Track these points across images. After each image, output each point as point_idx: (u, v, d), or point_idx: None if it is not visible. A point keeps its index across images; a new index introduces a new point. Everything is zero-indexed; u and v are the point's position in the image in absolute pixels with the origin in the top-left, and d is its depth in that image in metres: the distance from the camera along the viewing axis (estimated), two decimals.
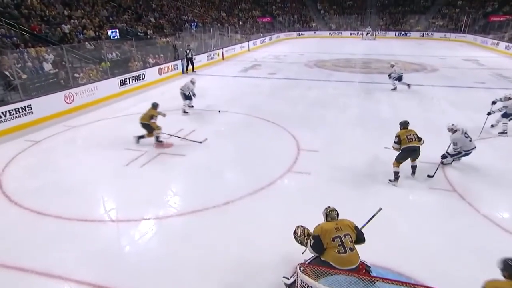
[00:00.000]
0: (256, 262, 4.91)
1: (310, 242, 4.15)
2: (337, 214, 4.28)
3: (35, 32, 15.98)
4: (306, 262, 4.41)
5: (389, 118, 10.85)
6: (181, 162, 8.19)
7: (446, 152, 7.63)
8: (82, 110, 12.28)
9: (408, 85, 15.02)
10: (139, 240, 5.46)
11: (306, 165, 7.91)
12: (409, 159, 7.07)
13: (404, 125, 7.20)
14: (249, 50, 29.59)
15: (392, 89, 15.04)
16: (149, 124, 8.85)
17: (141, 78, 15.76)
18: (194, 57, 19.48)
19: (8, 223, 5.91)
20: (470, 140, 7.43)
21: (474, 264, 4.80)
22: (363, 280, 3.96)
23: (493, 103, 10.10)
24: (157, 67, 17.13)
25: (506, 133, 9.83)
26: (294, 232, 4.51)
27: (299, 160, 8.18)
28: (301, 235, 4.42)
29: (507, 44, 26.17)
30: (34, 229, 5.69)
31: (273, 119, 11.08)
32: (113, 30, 18.20)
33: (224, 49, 25.12)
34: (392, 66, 15.35)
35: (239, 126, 10.72)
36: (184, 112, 11.73)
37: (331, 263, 3.99)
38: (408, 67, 21.29)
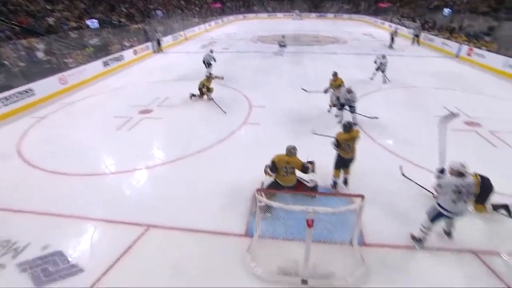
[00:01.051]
0: (235, 187, 5.03)
1: (270, 166, 4.50)
2: (295, 150, 4.49)
3: (24, 25, 13.81)
4: (264, 186, 4.65)
5: (313, 79, 10.96)
6: (160, 123, 7.81)
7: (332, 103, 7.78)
8: (75, 89, 11.08)
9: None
10: (136, 185, 5.31)
11: (257, 118, 7.89)
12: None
13: (347, 129, 4.75)
14: (206, 30, 27.71)
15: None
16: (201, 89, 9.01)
17: (120, 59, 14.37)
18: (161, 38, 18.03)
19: (32, 182, 5.46)
20: (352, 95, 7.06)
21: (379, 172, 5.23)
22: (306, 196, 4.27)
23: (375, 62, 10.95)
24: (132, 49, 15.66)
25: (388, 81, 10.74)
26: (265, 169, 4.67)
27: (251, 115, 8.14)
28: (266, 168, 4.64)
29: (389, 23, 27.15)
30: (54, 185, 5.32)
31: (230, 84, 10.73)
32: (93, 20, 16.11)
33: (186, 30, 23.33)
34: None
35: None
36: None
37: (278, 181, 4.49)
38: (327, 40, 21.22)
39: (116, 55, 14.25)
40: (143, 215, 4.50)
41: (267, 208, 4.01)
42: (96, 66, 12.71)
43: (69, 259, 3.82)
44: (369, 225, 4.20)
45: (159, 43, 17.82)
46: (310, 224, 3.07)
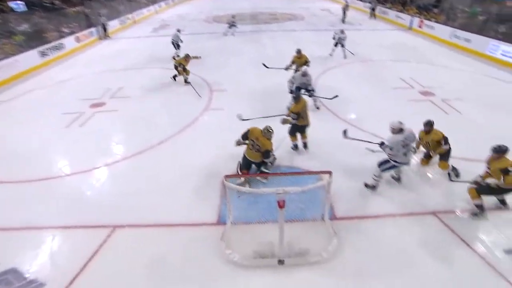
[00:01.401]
0: (202, 175, 4.97)
1: (242, 134, 4.76)
2: (270, 134, 4.61)
3: None
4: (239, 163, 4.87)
5: (273, 57, 10.95)
6: (116, 116, 7.38)
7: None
8: (8, 84, 9.99)
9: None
10: (96, 185, 5.03)
11: (219, 103, 7.78)
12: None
13: (298, 99, 5.27)
14: (156, 12, 26.19)
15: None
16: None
17: (60, 47, 13.10)
18: (107, 23, 16.66)
19: None
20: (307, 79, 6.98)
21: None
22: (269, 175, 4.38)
23: (333, 38, 11.19)
24: (73, 36, 14.32)
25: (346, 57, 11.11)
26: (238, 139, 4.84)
27: (213, 100, 8.00)
28: (238, 140, 4.82)
29: None
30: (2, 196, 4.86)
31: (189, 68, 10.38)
32: (17, 1, 14.13)
33: (134, 13, 21.88)
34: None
35: (160, 79, 9.75)
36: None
37: (246, 155, 4.72)
38: (285, 17, 21.19)
39: (55, 43, 12.96)
40: (107, 216, 4.30)
41: (242, 184, 4.51)
42: (31, 57, 11.44)
43: (26, 275, 3.53)
44: (338, 199, 4.41)
45: (104, 28, 16.50)
46: (281, 205, 3.15)
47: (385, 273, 3.42)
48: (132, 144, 6.14)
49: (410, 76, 9.26)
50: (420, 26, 15.52)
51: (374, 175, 4.48)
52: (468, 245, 3.71)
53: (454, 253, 3.64)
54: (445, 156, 4.74)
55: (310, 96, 7.10)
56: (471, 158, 5.15)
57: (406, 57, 11.37)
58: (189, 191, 4.73)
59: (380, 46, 12.86)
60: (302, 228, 3.91)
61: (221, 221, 4.13)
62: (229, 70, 10.32)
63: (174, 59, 8.89)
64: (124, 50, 13.72)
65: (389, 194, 4.56)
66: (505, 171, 3.67)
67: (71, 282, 3.43)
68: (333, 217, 4.14)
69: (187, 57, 8.92)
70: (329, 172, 3.59)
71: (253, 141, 4.62)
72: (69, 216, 4.36)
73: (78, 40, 14.54)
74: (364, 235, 3.89)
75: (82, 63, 12.19)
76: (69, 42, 13.83)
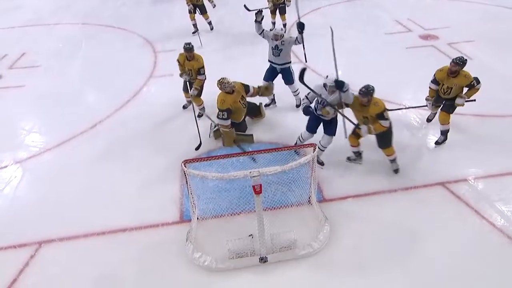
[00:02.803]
0: (154, 163, 5.03)
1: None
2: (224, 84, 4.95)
3: None
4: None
5: None
6: (23, 94, 7.09)
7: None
8: None
9: None
10: (5, 190, 4.88)
11: (166, 67, 7.64)
12: None
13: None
14: None
15: None
16: None
17: None
18: None
19: None
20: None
21: None
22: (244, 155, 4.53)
23: None
24: None
25: None
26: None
27: (158, 64, 7.87)
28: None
29: None
30: None
31: (119, 24, 10.06)
32: None
33: None
34: None
35: (80, 39, 9.38)
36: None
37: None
38: None
39: None
40: (27, 231, 4.20)
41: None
42: None
43: None
44: (326, 178, 4.67)
45: None
46: (258, 190, 3.28)
47: (389, 260, 3.70)
48: (53, 131, 5.98)
49: (408, 16, 9.59)
50: None
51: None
52: (483, 217, 4.11)
53: (467, 228, 4.02)
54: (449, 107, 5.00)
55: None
56: (484, 114, 5.58)
57: None
58: (139, 186, 4.76)
59: None
60: (286, 215, 4.10)
61: (184, 218, 4.25)
62: (175, 22, 10.09)
63: None
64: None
65: (386, 166, 4.84)
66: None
67: None
68: (322, 199, 4.40)
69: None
70: (313, 146, 3.77)
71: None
72: None
73: None
74: (359, 217, 4.18)
75: None
76: None
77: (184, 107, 6.22)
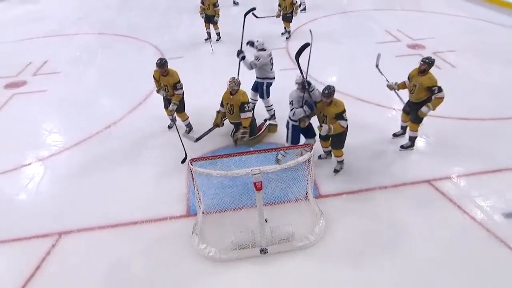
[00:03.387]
0: (164, 161, 5.01)
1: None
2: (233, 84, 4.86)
3: None
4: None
5: None
6: (45, 98, 7.09)
7: None
8: None
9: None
10: (28, 186, 4.88)
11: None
12: None
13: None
14: None
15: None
16: None
17: None
18: None
19: None
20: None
21: None
22: (242, 154, 4.49)
23: None
24: None
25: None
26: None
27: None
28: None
29: None
30: None
31: (131, 33, 10.04)
32: None
33: None
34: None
35: (96, 48, 9.39)
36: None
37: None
38: None
39: None
40: (48, 223, 4.24)
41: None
42: None
43: None
44: (322, 175, 4.68)
45: None
46: (259, 186, 3.30)
47: (379, 251, 3.72)
48: (71, 131, 5.98)
49: (397, 27, 9.58)
50: None
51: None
52: (464, 211, 4.12)
53: (451, 222, 4.02)
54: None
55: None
56: (467, 117, 5.57)
57: (391, 5, 11.66)
58: (149, 182, 4.76)
59: None
60: (284, 210, 4.13)
61: (191, 213, 4.25)
62: (183, 30, 10.13)
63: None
64: (43, 11, 12.83)
65: (377, 165, 4.88)
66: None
67: None
68: (318, 195, 4.40)
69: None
70: (310, 146, 3.75)
71: (228, 106, 4.92)
72: None
73: None
74: (353, 212, 4.19)
75: None
76: None
77: (169, 127, 5.72)
